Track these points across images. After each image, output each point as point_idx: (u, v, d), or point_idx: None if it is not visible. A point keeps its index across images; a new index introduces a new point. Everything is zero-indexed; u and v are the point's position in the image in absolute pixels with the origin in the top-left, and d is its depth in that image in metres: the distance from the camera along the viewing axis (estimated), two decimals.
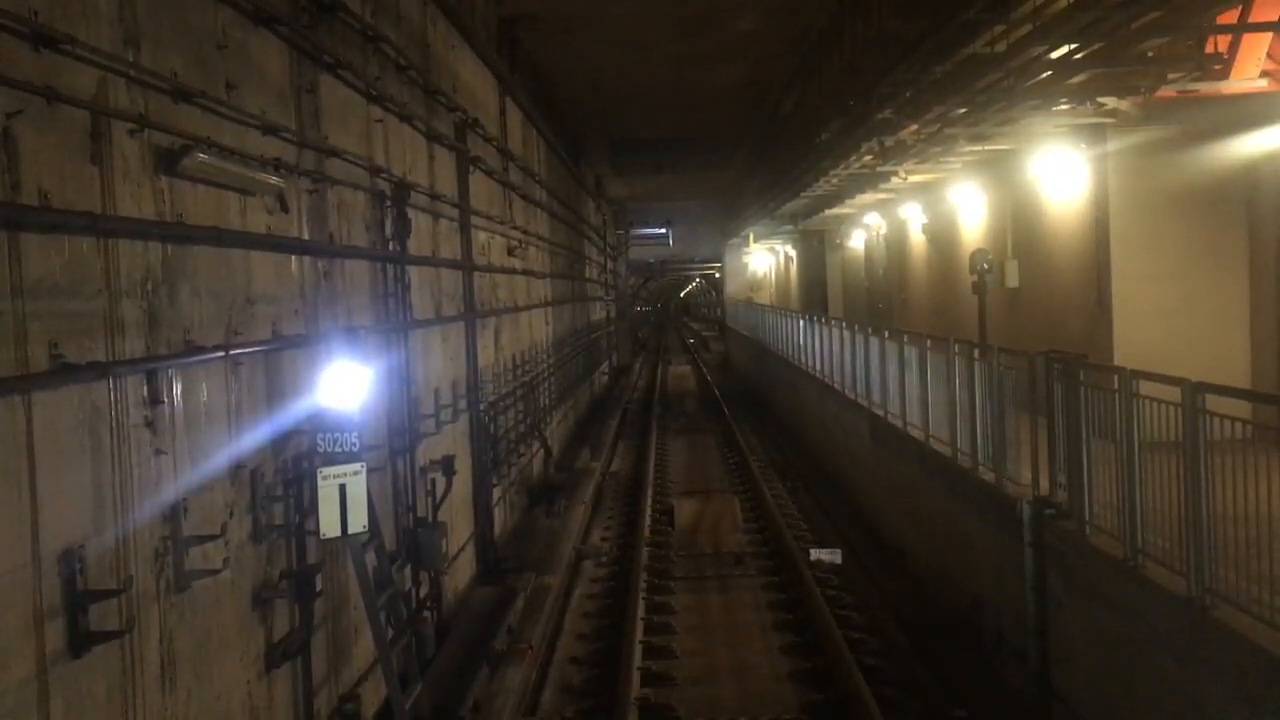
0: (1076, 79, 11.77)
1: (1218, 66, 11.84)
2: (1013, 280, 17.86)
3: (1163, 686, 7.38)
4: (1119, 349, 13.57)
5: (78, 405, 4.99)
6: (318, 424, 7.32)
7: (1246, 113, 13.17)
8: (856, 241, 33.80)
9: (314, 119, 8.42)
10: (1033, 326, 16.68)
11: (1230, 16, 10.86)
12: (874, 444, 16.90)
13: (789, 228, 36.80)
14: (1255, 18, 11.03)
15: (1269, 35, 11.61)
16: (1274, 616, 6.26)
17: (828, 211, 29.70)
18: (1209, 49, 11.78)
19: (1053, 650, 9.43)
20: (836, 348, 20.96)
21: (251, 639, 6.81)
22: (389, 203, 10.34)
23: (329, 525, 7.16)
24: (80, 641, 4.86)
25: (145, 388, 5.57)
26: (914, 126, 15.66)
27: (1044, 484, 9.85)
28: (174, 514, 5.79)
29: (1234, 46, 11.76)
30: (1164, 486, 7.57)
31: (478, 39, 15.73)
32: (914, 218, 24.84)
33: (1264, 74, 12.17)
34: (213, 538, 6.13)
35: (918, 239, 24.85)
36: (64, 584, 4.80)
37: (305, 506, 7.44)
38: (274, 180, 7.23)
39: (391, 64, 10.69)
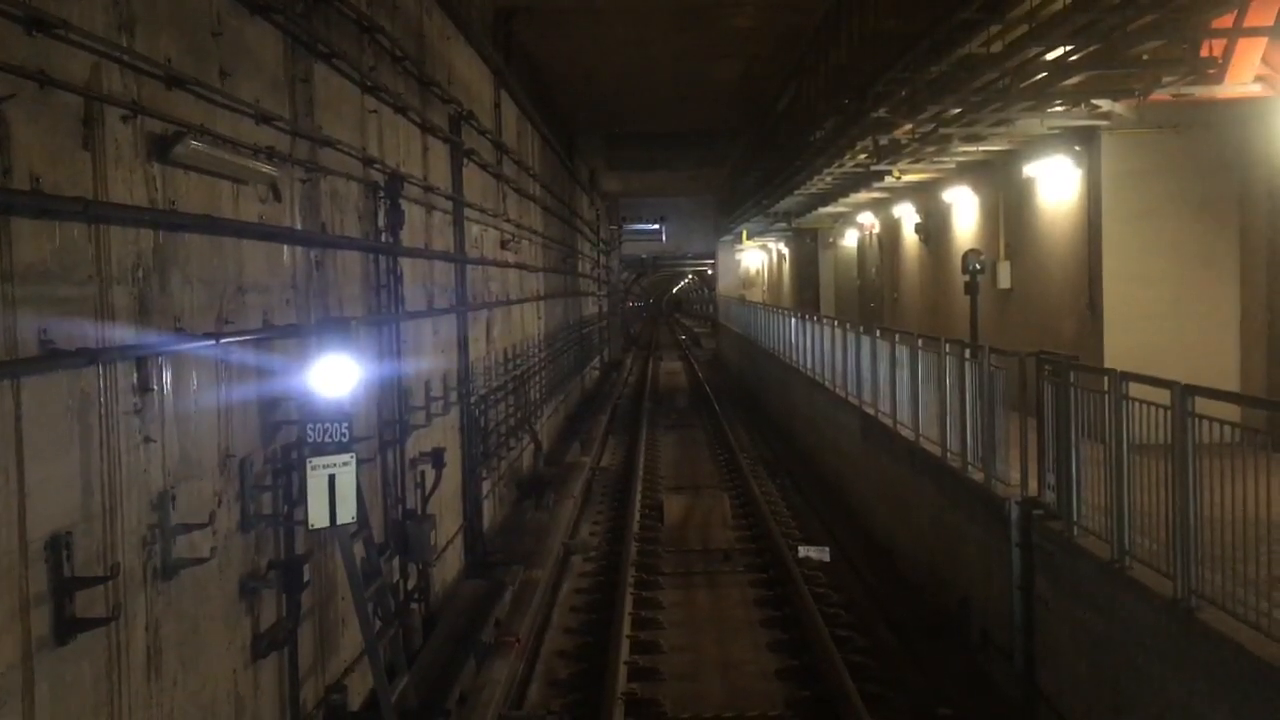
0: (1071, 81, 11.78)
1: (1212, 70, 11.84)
2: (1005, 281, 17.89)
3: (1147, 687, 7.41)
4: (1109, 351, 13.61)
5: (67, 391, 4.98)
6: (308, 414, 7.30)
7: (1240, 117, 13.21)
8: (850, 240, 33.83)
9: (308, 108, 8.40)
10: (1024, 327, 16.71)
11: (1226, 21, 10.86)
12: (864, 442, 16.92)
13: (782, 225, 36.79)
14: (1250, 22, 11.04)
15: (1264, 40, 11.61)
16: (1259, 619, 6.29)
17: (821, 210, 29.71)
18: (1204, 53, 11.78)
19: (1039, 650, 9.46)
20: (828, 346, 20.97)
21: (238, 628, 6.80)
22: (382, 194, 10.33)
23: (318, 516, 7.15)
24: (66, 628, 4.85)
25: (135, 375, 5.56)
26: (909, 126, 15.67)
27: (1033, 485, 9.87)
28: (162, 502, 5.78)
29: (1229, 51, 11.76)
30: (1152, 489, 7.59)
31: (473, 31, 15.70)
32: (907, 217, 24.86)
33: (1258, 79, 12.18)
34: (200, 526, 6.12)
35: (911, 239, 24.88)
36: (50, 570, 4.79)
37: (294, 496, 7.43)
38: (267, 169, 7.22)
39: (386, 54, 10.67)
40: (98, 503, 5.19)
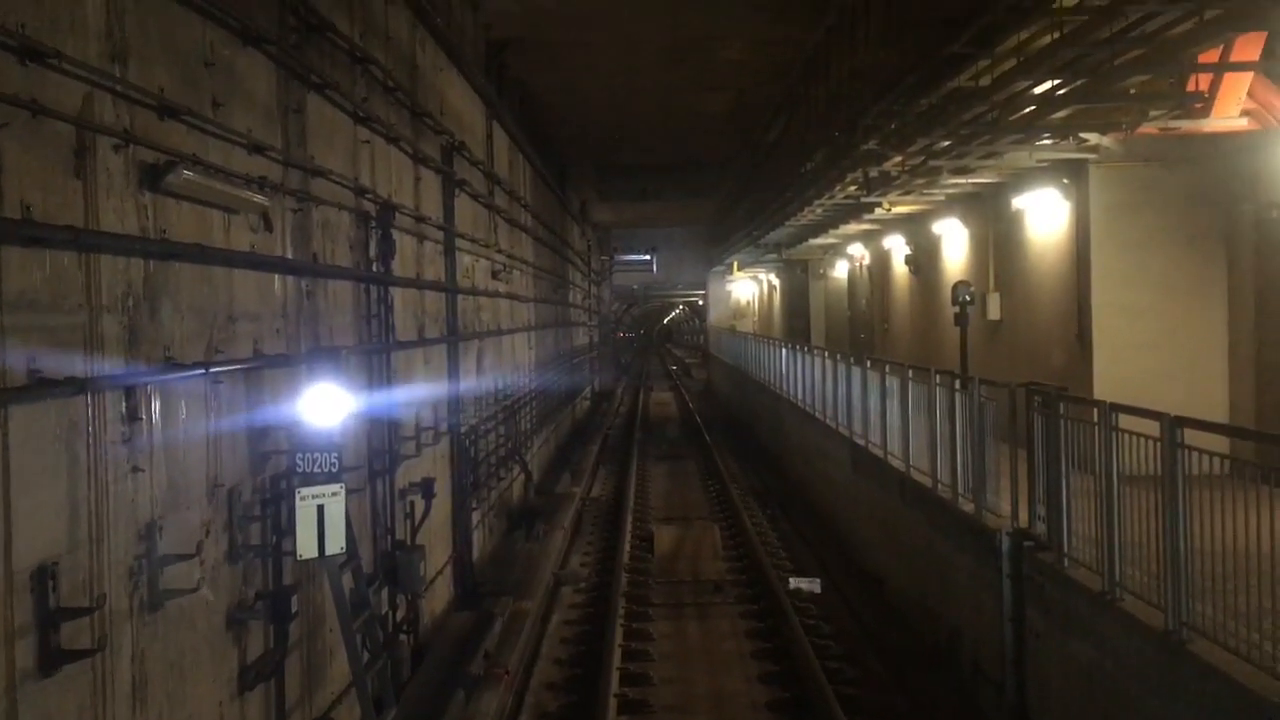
0: (1059, 114, 11.88)
1: (1199, 104, 11.97)
2: (994, 312, 17.96)
3: None
4: (1099, 382, 13.64)
5: (55, 420, 4.96)
6: (297, 444, 7.28)
7: (1226, 150, 13.32)
8: (840, 271, 33.92)
9: (300, 138, 8.42)
10: (1014, 359, 16.75)
11: (1212, 55, 11.00)
12: (854, 473, 16.91)
13: (773, 256, 36.89)
14: (1236, 57, 11.18)
15: (1249, 75, 11.75)
16: (1250, 651, 6.28)
17: (812, 241, 29.80)
18: (1190, 87, 11.91)
19: (1029, 681, 9.42)
20: (818, 377, 20.99)
21: (225, 660, 6.75)
22: (374, 224, 10.34)
23: (306, 546, 7.11)
24: (51, 660, 4.81)
25: (124, 404, 5.54)
26: (898, 158, 15.75)
27: (1023, 516, 9.87)
28: (149, 532, 5.74)
29: (1215, 85, 11.90)
30: (1142, 520, 7.59)
31: (466, 62, 15.78)
32: (897, 249, 24.96)
33: (1244, 113, 12.31)
34: (188, 557, 6.09)
35: (901, 270, 24.96)
36: (36, 601, 4.75)
37: (283, 527, 7.39)
38: (259, 199, 7.23)
39: (379, 85, 10.72)
40: (84, 533, 5.16)
